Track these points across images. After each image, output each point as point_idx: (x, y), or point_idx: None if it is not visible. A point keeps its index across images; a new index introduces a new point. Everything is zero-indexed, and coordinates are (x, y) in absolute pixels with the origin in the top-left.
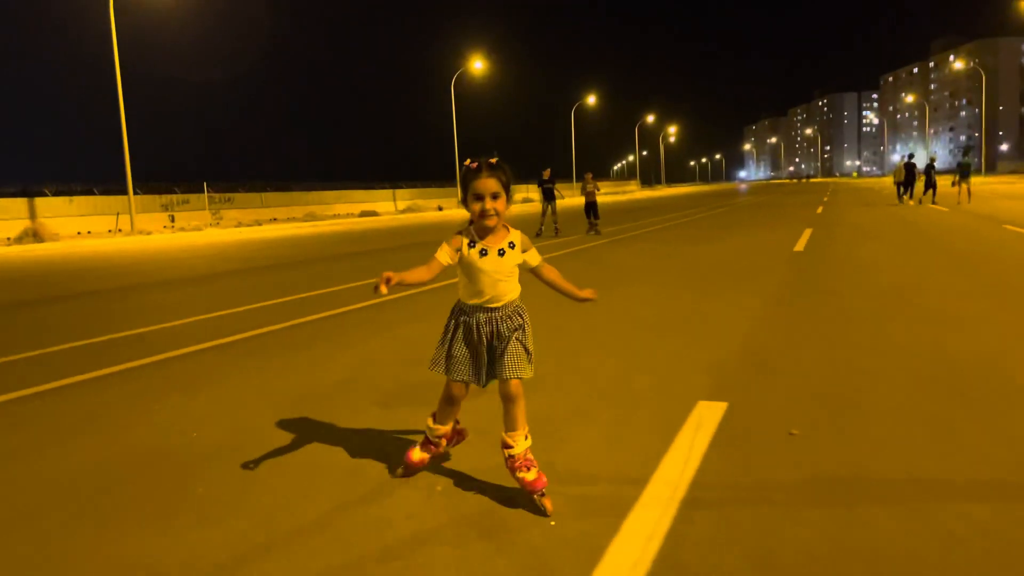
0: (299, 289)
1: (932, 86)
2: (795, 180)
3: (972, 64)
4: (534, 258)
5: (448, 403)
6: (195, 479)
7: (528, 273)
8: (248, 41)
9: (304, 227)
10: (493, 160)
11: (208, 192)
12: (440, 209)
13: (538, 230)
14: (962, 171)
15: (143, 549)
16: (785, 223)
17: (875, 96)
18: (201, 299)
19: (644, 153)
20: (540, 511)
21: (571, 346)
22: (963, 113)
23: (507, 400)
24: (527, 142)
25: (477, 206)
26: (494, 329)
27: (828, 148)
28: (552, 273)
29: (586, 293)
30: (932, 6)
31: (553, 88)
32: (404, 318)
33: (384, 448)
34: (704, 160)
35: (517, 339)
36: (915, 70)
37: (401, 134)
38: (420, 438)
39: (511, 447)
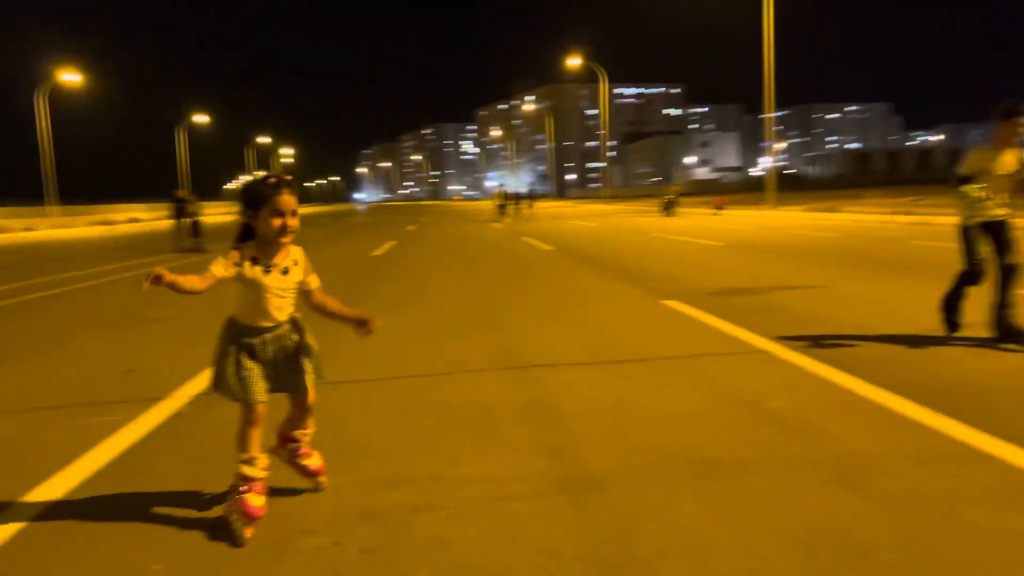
0: None
1: (516, 122)
2: (410, 202)
3: (544, 105)
4: (315, 280)
5: (253, 427)
6: None
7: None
8: None
9: None
10: (288, 177)
11: None
12: (29, 230)
13: (178, 246)
14: (530, 197)
15: None
16: (380, 237)
17: (474, 128)
18: None
19: (264, 173)
20: (316, 488)
21: None
22: (542, 146)
23: (304, 409)
24: (131, 157)
25: (278, 222)
26: (280, 347)
27: (436, 173)
28: (327, 298)
29: (370, 319)
30: (519, 50)
31: (159, 105)
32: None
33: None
34: (323, 182)
35: (305, 346)
36: (502, 107)
37: None
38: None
39: (299, 441)
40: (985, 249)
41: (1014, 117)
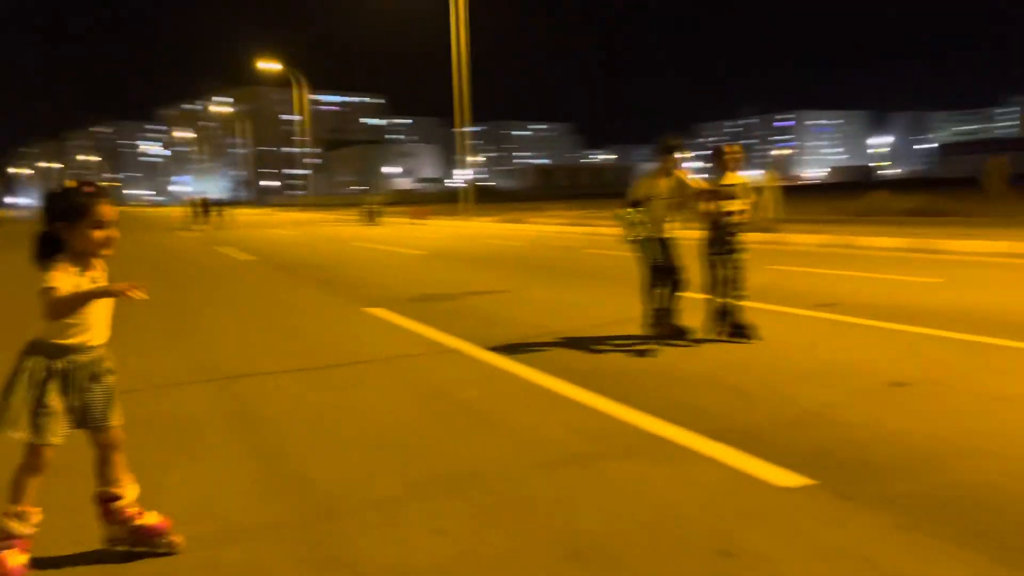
0: None
1: (206, 123)
2: None
3: (241, 108)
4: None
5: (36, 473)
6: None
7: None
8: None
9: None
10: (102, 184)
11: None
12: None
13: None
14: (227, 203)
15: None
16: None
17: (157, 128)
18: None
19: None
20: (170, 551)
21: None
22: (239, 150)
23: (111, 448)
24: None
25: (101, 234)
26: (91, 373)
27: (117, 175)
28: None
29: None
30: (205, 49)
31: None
32: None
33: None
34: None
35: (110, 377)
36: (189, 106)
37: None
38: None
39: (121, 497)
40: (657, 256)
41: (669, 152)
